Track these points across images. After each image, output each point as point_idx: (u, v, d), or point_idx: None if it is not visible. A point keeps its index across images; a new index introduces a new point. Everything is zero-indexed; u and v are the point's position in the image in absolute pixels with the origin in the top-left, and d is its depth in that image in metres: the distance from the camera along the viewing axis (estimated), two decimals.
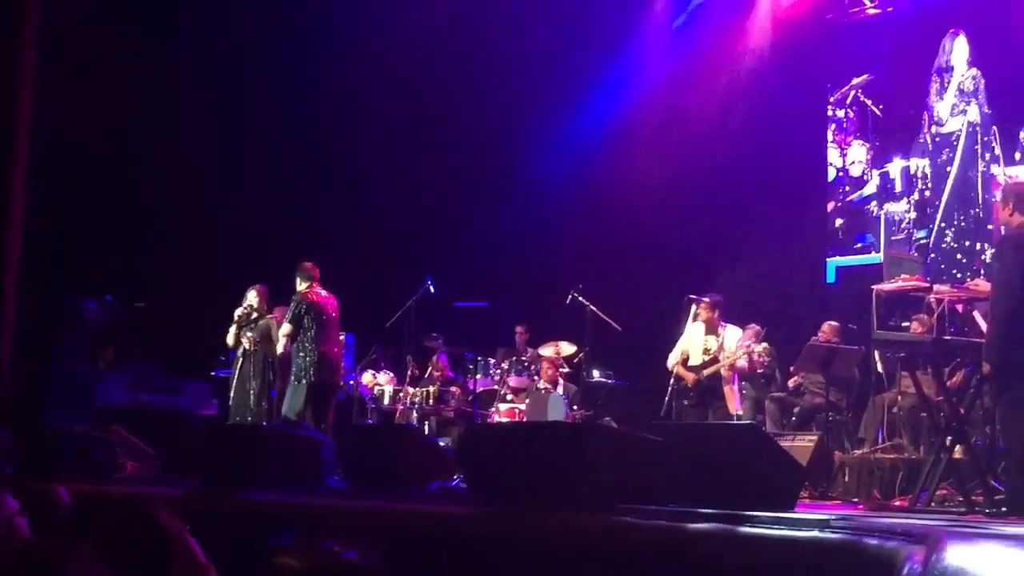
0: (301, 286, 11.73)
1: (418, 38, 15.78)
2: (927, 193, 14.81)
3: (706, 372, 11.58)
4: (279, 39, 15.27)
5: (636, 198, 15.66)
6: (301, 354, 11.50)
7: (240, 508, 7.21)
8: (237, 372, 12.30)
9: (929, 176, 14.83)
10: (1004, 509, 7.47)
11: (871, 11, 15.49)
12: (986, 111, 14.31)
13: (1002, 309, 7.52)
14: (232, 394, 12.33)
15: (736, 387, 11.80)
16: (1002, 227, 7.82)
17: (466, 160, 16.69)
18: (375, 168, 16.25)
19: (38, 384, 12.64)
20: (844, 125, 15.80)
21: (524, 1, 15.57)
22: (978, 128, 14.36)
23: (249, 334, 12.31)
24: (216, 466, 8.42)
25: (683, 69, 16.13)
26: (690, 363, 11.70)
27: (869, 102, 15.46)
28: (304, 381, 11.44)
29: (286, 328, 11.64)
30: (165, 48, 14.95)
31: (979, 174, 14.28)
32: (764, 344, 12.44)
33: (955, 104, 14.65)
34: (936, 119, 14.82)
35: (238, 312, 12.36)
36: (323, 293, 11.75)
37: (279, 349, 11.82)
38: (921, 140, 14.95)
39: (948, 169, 14.60)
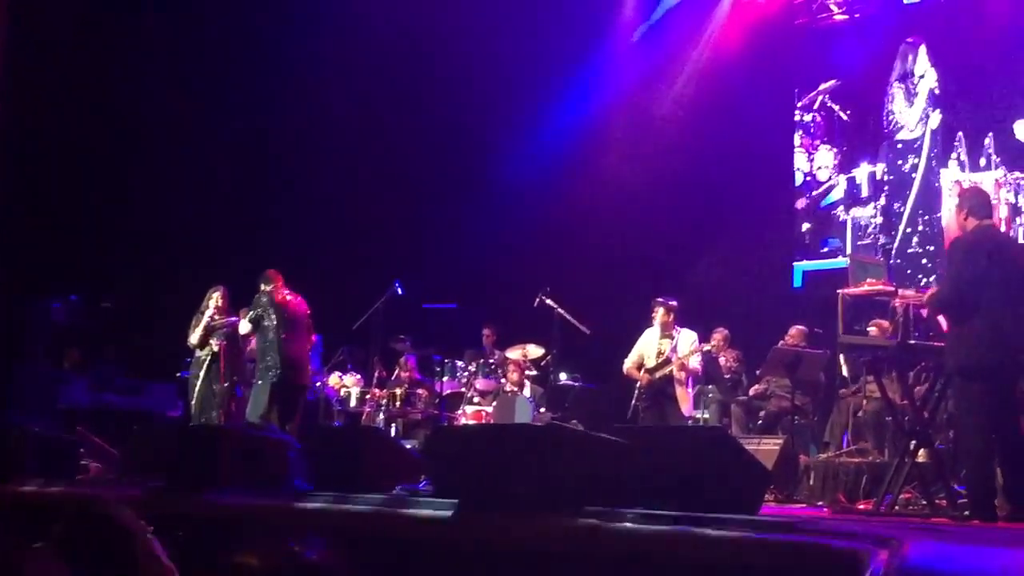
0: (265, 288, 11.68)
1: (387, 42, 15.76)
2: (892, 199, 14.90)
3: (658, 373, 11.66)
4: (246, 40, 15.20)
5: (604, 202, 15.71)
6: (266, 355, 11.45)
7: (204, 510, 7.16)
8: (203, 373, 12.22)
9: (893, 182, 14.92)
10: (967, 513, 7.52)
11: (839, 17, 15.59)
12: (948, 118, 14.42)
13: (953, 313, 7.61)
14: (195, 394, 12.26)
15: (690, 389, 11.89)
16: (959, 231, 7.90)
17: (435, 163, 16.68)
18: (343, 170, 16.23)
19: (1, 384, 12.55)
20: (811, 130, 15.88)
21: (494, 8, 15.56)
22: (940, 135, 14.47)
23: (217, 336, 12.25)
24: (180, 467, 8.35)
25: (651, 74, 16.20)
26: (646, 365, 11.78)
27: (836, 107, 15.54)
28: (267, 382, 11.38)
29: (245, 326, 11.61)
30: (129, 51, 14.88)
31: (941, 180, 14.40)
32: (715, 343, 12.51)
33: (918, 111, 14.75)
34: (898, 126, 14.92)
35: (208, 314, 12.27)
36: (288, 294, 11.70)
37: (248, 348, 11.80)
38: (885, 146, 15.05)
39: (913, 175, 14.70)
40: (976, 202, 7.81)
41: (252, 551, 3.03)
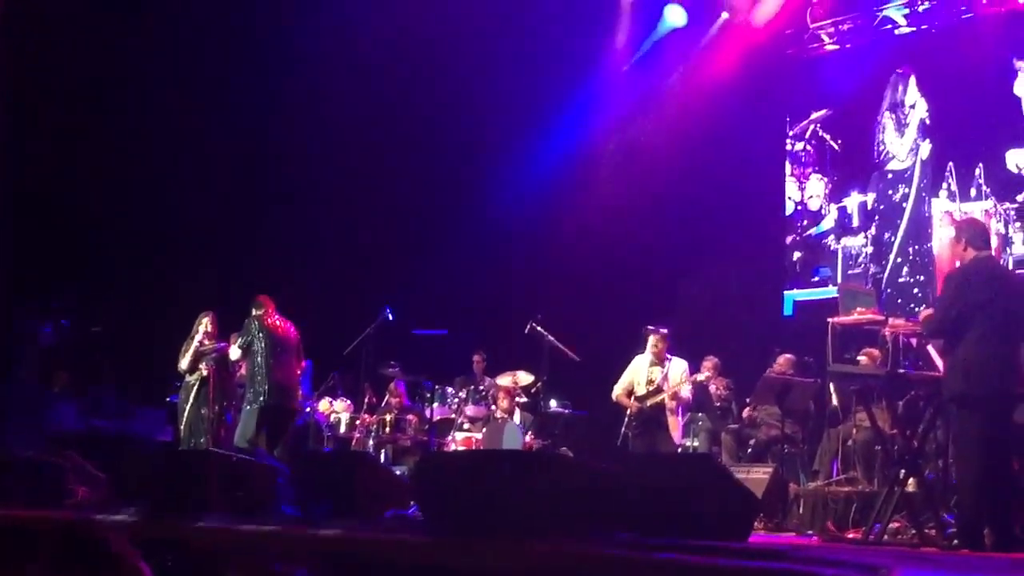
0: (255, 313, 11.66)
1: (379, 70, 15.78)
2: (883, 229, 14.94)
3: (649, 401, 11.66)
4: (239, 66, 15.22)
5: (595, 229, 15.72)
6: (255, 380, 11.42)
7: (192, 535, 7.12)
8: (191, 398, 12.19)
9: (884, 212, 14.97)
10: (956, 542, 7.53)
11: (829, 47, 15.66)
12: (939, 148, 14.47)
13: (947, 342, 7.68)
14: (184, 419, 12.23)
15: (680, 418, 11.88)
16: (957, 261, 8.00)
17: (426, 189, 16.70)
18: (335, 195, 16.23)
19: None
20: (802, 159, 15.93)
21: (487, 36, 15.61)
22: (930, 165, 14.53)
23: (206, 361, 12.23)
24: (167, 492, 8.32)
25: (642, 103, 16.24)
26: (636, 393, 11.78)
27: (827, 137, 15.60)
28: (256, 406, 11.35)
29: (235, 352, 11.59)
30: (118, 72, 14.88)
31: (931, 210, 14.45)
32: (707, 373, 12.52)
33: (908, 141, 14.81)
34: (889, 156, 14.98)
35: (197, 338, 12.26)
36: (278, 319, 11.68)
37: (239, 373, 11.76)
38: (876, 176, 15.10)
39: (903, 205, 14.74)
40: (974, 233, 7.94)
41: (238, 572, 3.02)
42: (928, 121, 14.68)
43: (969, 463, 7.55)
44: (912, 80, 14.88)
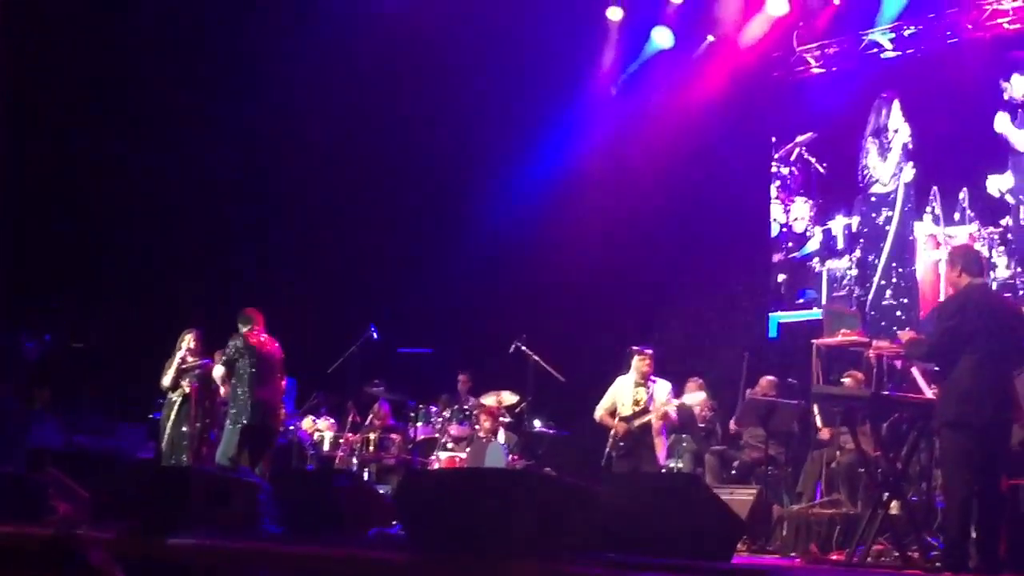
0: (242, 329, 11.62)
1: (366, 86, 15.79)
2: (867, 252, 14.99)
3: (637, 422, 11.61)
4: (226, 81, 15.22)
5: (581, 250, 15.74)
6: (237, 398, 11.37)
7: (173, 552, 7.09)
8: (173, 414, 12.15)
9: (867, 235, 15.02)
10: (939, 565, 7.54)
11: (816, 70, 15.72)
12: (922, 172, 14.54)
13: (941, 367, 7.74)
14: (166, 436, 12.18)
15: (664, 439, 11.86)
16: (949, 287, 8.09)
17: (413, 208, 16.72)
18: (320, 213, 16.23)
19: None
20: (788, 182, 15.97)
21: (475, 56, 15.65)
22: (913, 189, 14.59)
23: (188, 378, 12.19)
24: (149, 509, 8.28)
25: (628, 125, 16.25)
26: (620, 414, 11.72)
27: (813, 159, 15.64)
28: (239, 425, 11.30)
29: (219, 370, 11.54)
30: (107, 86, 14.87)
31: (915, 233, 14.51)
32: (703, 395, 12.52)
33: (891, 166, 14.87)
34: (873, 180, 15.04)
35: (179, 355, 12.23)
36: (263, 337, 11.64)
37: (222, 391, 11.70)
38: (860, 199, 15.16)
39: (887, 228, 14.79)
40: (969, 260, 8.02)
41: None
42: (911, 145, 14.73)
43: (956, 486, 7.58)
44: (896, 104, 14.95)
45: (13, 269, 14.24)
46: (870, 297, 14.76)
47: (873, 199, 15.03)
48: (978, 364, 7.50)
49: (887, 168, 14.94)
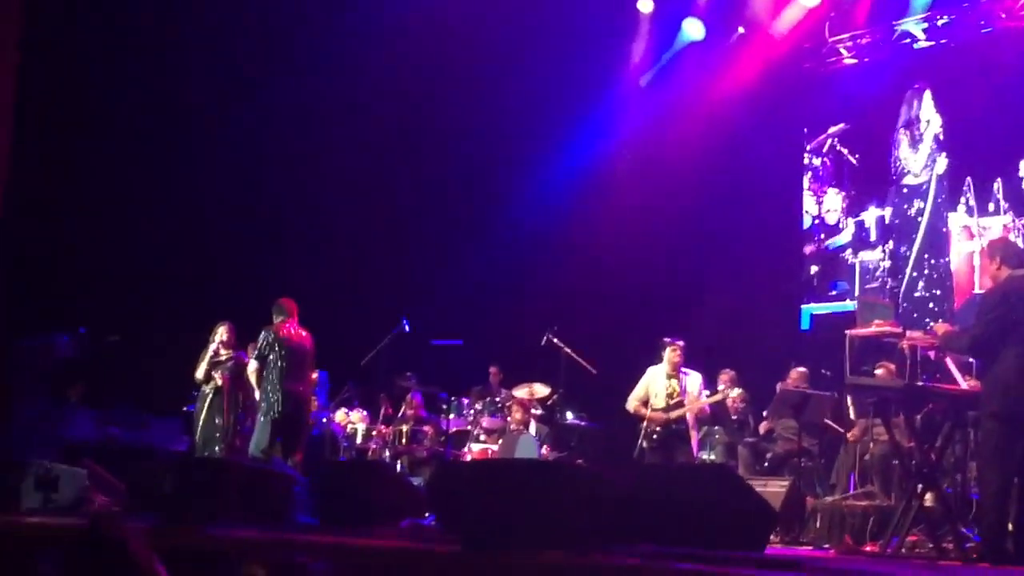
0: (275, 321, 11.66)
1: (399, 81, 15.82)
2: (899, 243, 14.92)
3: (673, 414, 11.57)
4: (254, 73, 15.25)
5: (613, 242, 15.72)
6: (268, 390, 11.40)
7: (207, 543, 7.13)
8: (206, 407, 12.22)
9: (899, 226, 14.94)
10: (975, 557, 7.51)
11: (848, 61, 15.65)
12: (955, 163, 14.45)
13: (984, 359, 7.72)
14: (199, 428, 12.25)
15: (695, 432, 11.84)
16: (987, 279, 8.07)
17: (444, 201, 16.73)
18: (353, 206, 16.25)
19: (6, 417, 12.54)
20: (820, 173, 15.91)
21: (504, 51, 15.64)
22: (946, 180, 14.50)
23: (221, 371, 12.25)
24: (184, 501, 8.33)
25: (659, 118, 16.21)
26: (653, 405, 11.67)
27: (845, 151, 15.57)
28: (269, 417, 11.34)
29: (252, 365, 11.57)
30: (134, 82, 14.93)
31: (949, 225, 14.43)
32: (739, 389, 12.49)
33: (923, 157, 14.79)
34: (905, 171, 14.96)
35: (212, 348, 12.29)
36: (295, 329, 11.67)
37: (254, 385, 11.74)
38: (892, 190, 15.08)
39: (919, 219, 14.71)
40: (1008, 252, 8.03)
41: (258, 561, 3.05)
42: (943, 136, 14.65)
43: (994, 478, 7.55)
44: (927, 95, 14.87)
45: (47, 261, 14.33)
46: (902, 289, 14.68)
47: (905, 190, 14.96)
48: (1021, 355, 7.48)
49: (919, 159, 14.86)
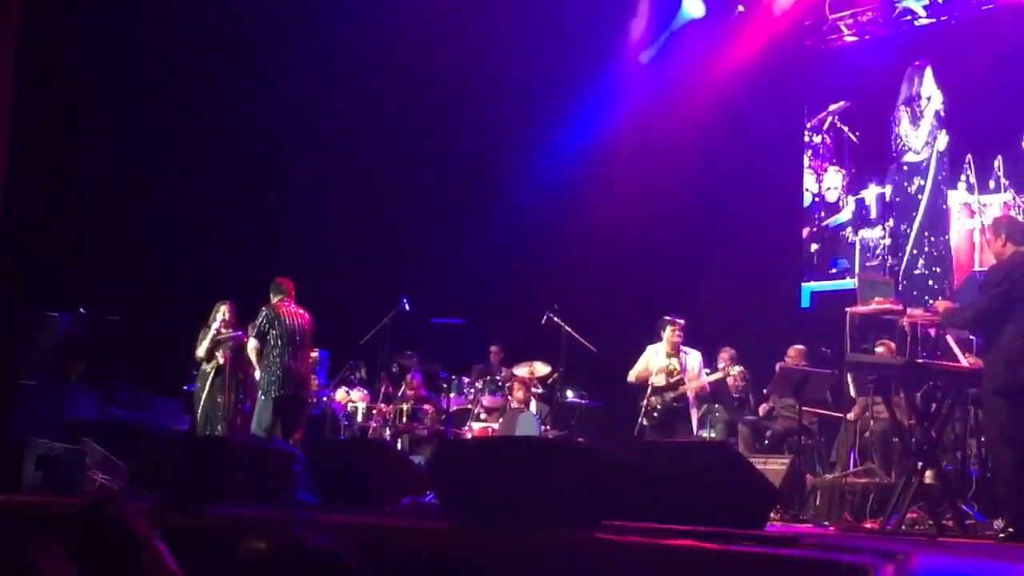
0: (273, 300, 11.67)
1: (399, 60, 15.77)
2: (900, 221, 14.91)
3: (674, 393, 11.60)
4: (255, 54, 15.24)
5: (612, 221, 15.70)
6: (268, 369, 11.42)
7: (209, 522, 7.15)
8: (207, 386, 12.22)
9: (899, 204, 14.93)
10: (1007, 533, 7.48)
11: (849, 39, 15.59)
12: (956, 140, 14.43)
13: (987, 334, 7.75)
14: (200, 407, 12.26)
15: (696, 409, 11.87)
16: (995, 258, 8.13)
17: (444, 179, 16.71)
18: (353, 185, 16.24)
19: (7, 396, 12.54)
20: (820, 151, 15.88)
21: (504, 29, 15.61)
22: (947, 157, 14.48)
23: (222, 350, 12.25)
24: (186, 479, 8.35)
25: (659, 96, 16.18)
26: (653, 384, 11.68)
27: (845, 128, 15.55)
28: (270, 396, 11.35)
29: (252, 343, 11.58)
30: (138, 62, 14.90)
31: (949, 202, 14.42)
32: (739, 368, 12.50)
33: (924, 134, 14.76)
34: (905, 148, 14.94)
35: (214, 327, 12.29)
36: (294, 307, 11.68)
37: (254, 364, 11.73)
38: (893, 168, 15.06)
39: (919, 197, 14.70)
40: (1012, 229, 8.12)
41: (259, 536, 3.05)
42: (943, 113, 14.63)
43: (1007, 453, 7.59)
44: (928, 72, 14.83)
45: (47, 240, 14.32)
46: (902, 267, 14.68)
47: (905, 168, 14.94)
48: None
49: (919, 137, 14.83)
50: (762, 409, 12.55)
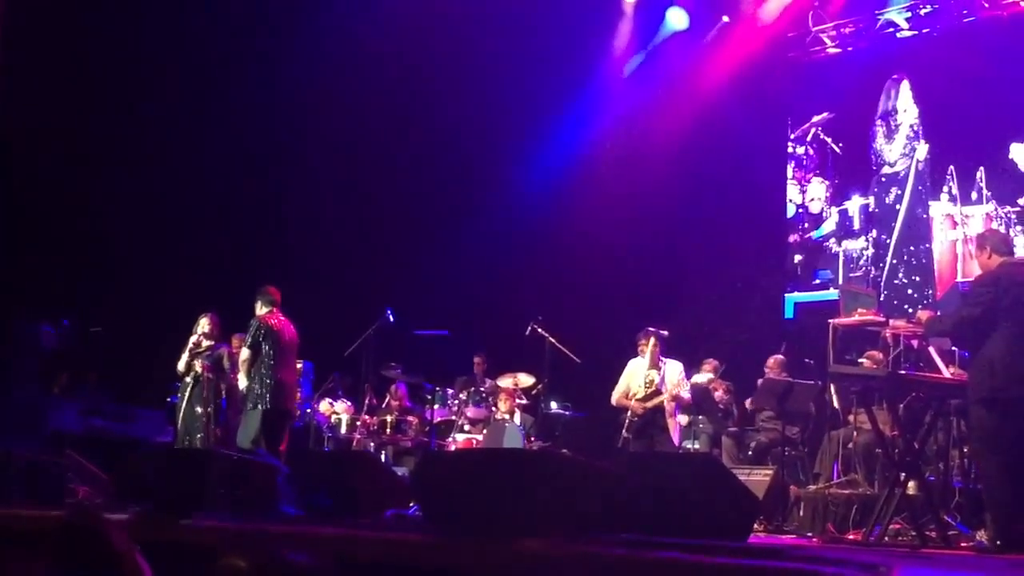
0: (261, 311, 11.57)
1: (382, 71, 15.79)
2: (881, 232, 14.96)
3: (649, 403, 11.57)
4: (239, 63, 15.21)
5: (596, 232, 15.73)
6: (257, 380, 11.34)
7: (191, 534, 7.12)
8: (186, 397, 12.19)
9: (879, 215, 14.99)
10: (994, 545, 7.50)
11: (832, 51, 15.66)
12: (936, 151, 14.49)
13: (971, 344, 7.76)
14: (180, 419, 12.22)
15: (678, 420, 11.84)
16: (982, 270, 8.18)
17: (429, 191, 16.71)
18: (336, 196, 16.23)
19: None
20: (804, 162, 15.93)
21: (488, 40, 15.63)
22: (928, 168, 14.54)
23: (200, 360, 12.21)
24: (168, 492, 8.30)
25: (643, 107, 16.24)
26: (635, 396, 11.68)
27: (829, 140, 15.61)
28: (260, 407, 11.28)
29: (245, 354, 11.48)
30: (121, 74, 14.87)
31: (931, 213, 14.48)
32: (709, 374, 12.51)
33: (899, 147, 14.84)
34: (884, 160, 15.01)
35: (193, 339, 12.26)
36: (282, 318, 11.63)
37: (241, 377, 11.64)
38: (874, 180, 15.13)
39: (897, 207, 14.76)
40: (997, 241, 8.19)
41: (238, 553, 3.04)
42: (918, 126, 14.71)
43: (992, 463, 7.60)
44: (904, 85, 14.92)
45: (29, 252, 14.26)
46: (884, 277, 14.73)
47: (884, 180, 15.02)
48: (1014, 338, 7.58)
49: (895, 149, 14.93)
50: (748, 402, 12.47)
